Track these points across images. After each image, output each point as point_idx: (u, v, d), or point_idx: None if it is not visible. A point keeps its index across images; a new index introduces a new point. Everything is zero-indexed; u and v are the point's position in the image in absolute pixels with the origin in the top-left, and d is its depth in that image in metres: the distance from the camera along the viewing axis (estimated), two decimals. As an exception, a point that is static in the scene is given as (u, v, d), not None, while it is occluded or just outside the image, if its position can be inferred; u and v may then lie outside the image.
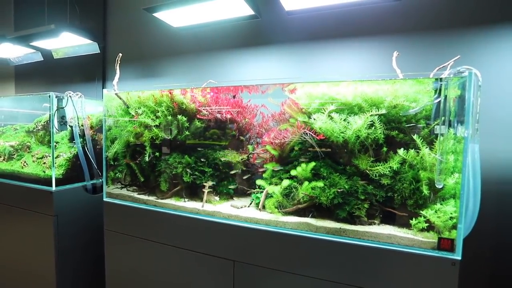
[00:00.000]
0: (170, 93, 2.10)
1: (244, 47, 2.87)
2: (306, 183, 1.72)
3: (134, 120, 2.20)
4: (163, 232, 2.07)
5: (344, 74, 2.47)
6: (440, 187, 1.48)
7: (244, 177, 2.20)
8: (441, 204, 1.48)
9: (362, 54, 2.46)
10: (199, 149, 2.15)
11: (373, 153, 1.70)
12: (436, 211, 1.47)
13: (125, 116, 2.24)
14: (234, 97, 2.36)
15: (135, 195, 2.26)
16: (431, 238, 1.46)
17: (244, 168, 2.15)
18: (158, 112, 2.13)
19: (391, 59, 1.91)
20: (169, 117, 2.09)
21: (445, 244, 1.43)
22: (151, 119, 2.15)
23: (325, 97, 1.77)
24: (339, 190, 1.64)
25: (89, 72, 3.99)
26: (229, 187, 2.14)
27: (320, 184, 1.67)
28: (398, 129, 1.66)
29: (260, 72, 2.80)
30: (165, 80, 2.98)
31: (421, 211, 1.50)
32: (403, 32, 2.37)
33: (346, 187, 1.64)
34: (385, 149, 1.65)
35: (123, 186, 2.41)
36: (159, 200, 2.14)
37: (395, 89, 1.65)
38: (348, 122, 1.66)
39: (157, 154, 2.18)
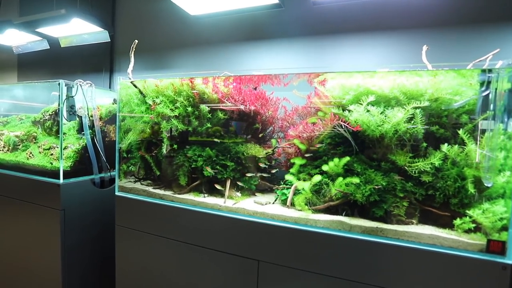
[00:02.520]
0: (191, 81, 1.99)
1: (264, 39, 2.77)
2: (339, 179, 1.62)
3: (151, 110, 2.08)
4: (181, 229, 1.96)
5: (369, 68, 2.37)
6: (490, 185, 1.38)
7: (268, 172, 2.10)
8: (489, 203, 1.39)
9: (386, 47, 2.37)
10: (219, 142, 2.04)
11: (410, 149, 1.60)
12: (483, 211, 1.38)
13: (141, 106, 2.13)
14: (255, 89, 2.26)
15: (150, 189, 2.14)
16: (478, 240, 1.37)
17: (268, 163, 2.04)
18: (177, 102, 2.01)
19: (416, 53, 1.82)
20: (189, 108, 1.98)
21: (495, 247, 1.34)
22: (170, 109, 2.04)
23: (360, 89, 1.67)
24: (376, 187, 1.54)
25: (95, 63, 3.86)
26: (252, 182, 2.03)
27: (356, 180, 1.57)
28: (439, 124, 1.57)
29: (279, 65, 2.70)
30: (178, 73, 2.85)
31: (467, 211, 1.40)
32: (427, 27, 2.29)
33: (383, 183, 1.54)
34: (424, 144, 1.56)
35: (136, 179, 2.29)
36: (177, 195, 2.03)
37: (436, 82, 1.55)
38: (385, 115, 1.56)
39: (175, 146, 2.07)
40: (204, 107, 1.97)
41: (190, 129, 2.03)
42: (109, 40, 3.27)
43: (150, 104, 2.10)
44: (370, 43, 2.43)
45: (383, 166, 1.63)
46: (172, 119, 2.02)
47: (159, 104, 2.06)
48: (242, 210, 1.81)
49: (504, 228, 1.35)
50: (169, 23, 3.18)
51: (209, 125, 2.00)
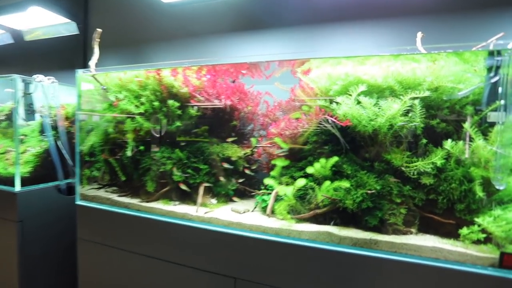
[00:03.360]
0: (157, 73, 1.74)
1: (245, 30, 2.52)
2: (327, 182, 1.39)
3: (114, 107, 1.83)
4: (148, 242, 1.71)
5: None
6: (502, 188, 1.17)
7: (248, 176, 1.86)
8: (501, 209, 1.18)
9: (376, 36, 2.16)
10: (191, 142, 1.79)
11: (408, 146, 1.38)
12: (495, 218, 1.17)
13: (103, 103, 1.87)
14: (233, 82, 2.02)
15: (115, 197, 1.88)
16: (488, 252, 1.16)
17: (247, 165, 1.81)
18: (143, 97, 1.76)
19: (410, 42, 1.60)
20: (156, 103, 1.73)
21: (510, 261, 1.13)
22: (135, 105, 1.78)
23: (349, 78, 1.44)
24: (368, 192, 1.32)
25: (67, 58, 3.56)
26: (229, 187, 1.79)
27: (345, 184, 1.34)
28: (440, 117, 1.36)
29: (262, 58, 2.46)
30: (143, 64, 2.57)
31: (475, 218, 1.19)
32: (422, 13, 2.08)
33: (378, 187, 1.32)
34: (424, 141, 1.34)
35: (100, 186, 2.03)
36: (144, 204, 1.78)
37: (436, 68, 1.34)
38: (379, 108, 1.34)
39: (141, 148, 1.81)
40: (173, 103, 1.73)
41: (158, 127, 1.78)
42: (77, 32, 2.99)
43: (112, 100, 1.84)
44: (361, 32, 2.21)
45: (376, 167, 1.40)
46: (137, 117, 1.77)
47: (122, 100, 1.81)
48: (216, 221, 1.57)
49: (520, 239, 1.14)
50: (145, 13, 2.91)
51: (179, 123, 1.75)
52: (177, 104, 1.72)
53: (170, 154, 1.76)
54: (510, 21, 1.92)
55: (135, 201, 1.82)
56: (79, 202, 1.94)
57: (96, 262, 1.90)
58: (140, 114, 1.77)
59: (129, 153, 1.80)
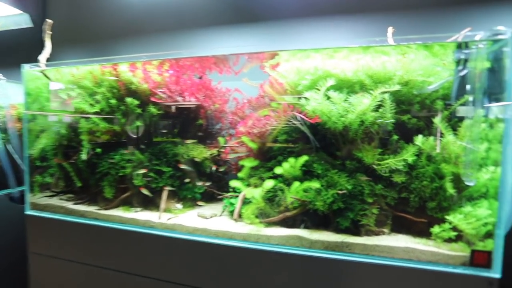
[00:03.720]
0: (114, 69, 1.58)
1: (215, 24, 2.40)
2: (296, 183, 1.31)
3: (66, 106, 1.65)
4: (108, 254, 1.56)
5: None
6: (472, 184, 1.14)
7: (215, 178, 1.75)
8: (471, 206, 1.15)
9: (348, 31, 2.11)
10: (153, 143, 1.66)
11: (380, 143, 1.33)
12: (465, 216, 1.13)
13: (54, 101, 1.69)
14: (200, 78, 1.90)
15: (70, 205, 1.71)
16: (460, 250, 1.12)
17: (215, 166, 1.69)
18: (98, 95, 1.60)
19: (380, 36, 1.56)
20: (113, 101, 1.58)
21: (480, 258, 1.09)
22: (90, 104, 1.62)
23: (318, 72, 1.37)
24: (339, 192, 1.25)
25: (23, 54, 3.27)
26: (196, 190, 1.67)
27: (315, 184, 1.27)
28: (410, 113, 1.31)
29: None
30: (97, 58, 2.36)
31: (446, 216, 1.15)
32: (392, 9, 2.06)
33: (349, 187, 1.25)
34: (395, 137, 1.29)
35: (54, 193, 1.84)
36: (102, 212, 1.62)
37: (406, 62, 1.29)
38: (349, 103, 1.27)
39: (98, 150, 1.65)
40: (132, 101, 1.58)
41: (116, 128, 1.63)
42: (31, 25, 2.74)
43: (64, 99, 1.66)
44: (334, 27, 2.15)
45: (348, 165, 1.34)
46: (92, 117, 1.61)
47: (75, 98, 1.64)
48: (180, 227, 1.45)
49: (489, 235, 1.11)
50: (110, 6, 2.70)
51: (139, 122, 1.61)
52: (136, 102, 1.58)
53: (130, 156, 1.61)
54: (478, 17, 1.92)
55: (92, 208, 1.66)
56: (29, 212, 1.75)
57: (50, 277, 1.72)
58: (95, 113, 1.61)
59: (84, 156, 1.63)
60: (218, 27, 2.38)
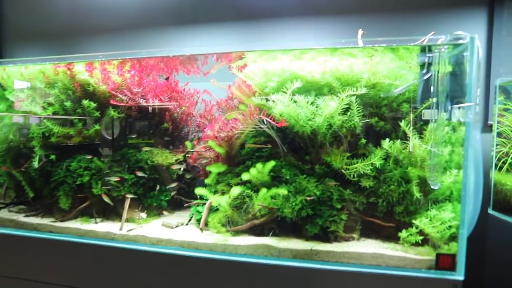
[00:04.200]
0: (68, 69, 1.46)
1: (182, 24, 2.31)
2: (263, 190, 1.26)
3: (13, 109, 1.51)
4: (64, 270, 1.44)
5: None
6: (436, 187, 1.14)
7: (183, 184, 1.67)
8: (436, 209, 1.15)
9: (326, 33, 2.10)
10: (114, 149, 1.55)
11: (348, 147, 1.31)
12: (430, 219, 1.13)
13: (0, 103, 1.54)
14: (167, 79, 1.81)
15: (21, 218, 1.57)
16: (426, 254, 1.12)
17: (181, 172, 1.61)
18: (51, 96, 1.48)
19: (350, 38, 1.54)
20: (68, 103, 1.46)
21: (445, 262, 1.09)
22: (42, 106, 1.49)
23: (285, 73, 1.33)
24: (308, 198, 1.21)
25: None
26: (162, 198, 1.58)
27: (283, 191, 1.22)
28: (378, 116, 1.30)
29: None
30: (51, 56, 2.19)
31: (413, 220, 1.14)
32: (361, 12, 2.07)
33: (317, 193, 1.22)
34: (363, 141, 1.27)
35: (3, 205, 1.68)
36: (57, 224, 1.49)
37: (373, 64, 1.28)
38: (317, 107, 1.24)
39: (52, 157, 1.52)
40: (89, 103, 1.47)
41: (72, 132, 1.51)
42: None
43: (12, 100, 1.52)
44: (302, 29, 2.13)
45: (317, 170, 1.31)
46: (44, 120, 1.48)
47: (25, 100, 1.50)
48: (143, 239, 1.36)
49: (453, 238, 1.12)
50: (72, 3, 2.52)
51: (97, 126, 1.50)
52: (93, 104, 1.47)
53: (88, 163, 1.50)
54: (442, 22, 1.97)
55: (46, 221, 1.53)
56: (-27, 227, 1.59)
57: (-1, 297, 1.57)
58: (49, 117, 1.48)
59: (36, 164, 1.50)
60: (185, 26, 2.29)
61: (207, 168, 1.45)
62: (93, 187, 1.47)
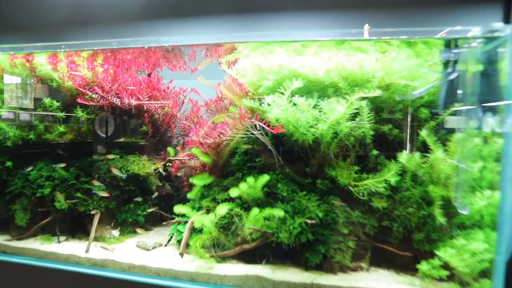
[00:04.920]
0: (27, 60, 1.24)
1: (167, 17, 2.08)
2: (255, 210, 1.05)
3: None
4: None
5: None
6: (465, 212, 0.94)
7: (164, 196, 1.46)
8: (464, 238, 0.95)
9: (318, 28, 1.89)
10: (82, 156, 1.33)
11: (356, 159, 1.11)
12: (458, 250, 0.93)
13: None
14: (149, 75, 1.59)
15: (-29, 234, 1.34)
16: (452, 293, 0.92)
17: (160, 184, 1.40)
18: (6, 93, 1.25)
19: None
20: (26, 101, 1.24)
21: (476, 304, 0.90)
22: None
23: (284, 71, 1.12)
24: (308, 221, 1.00)
25: None
26: (139, 212, 1.37)
27: (279, 212, 1.01)
28: (392, 122, 1.10)
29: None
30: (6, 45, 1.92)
31: (435, 251, 0.94)
32: (367, 7, 1.86)
33: (320, 214, 1.01)
34: (374, 152, 1.07)
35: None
36: (13, 244, 1.27)
37: (387, 61, 1.08)
38: (320, 111, 1.03)
39: (8, 164, 1.30)
40: (51, 101, 1.24)
41: (31, 136, 1.28)
42: None
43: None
44: (303, 23, 1.92)
45: (319, 185, 1.10)
46: (-1, 121, 1.25)
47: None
48: (112, 264, 1.14)
49: (485, 274, 0.92)
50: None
51: (62, 128, 1.28)
52: (56, 103, 1.24)
53: (51, 172, 1.27)
54: (455, 16, 1.77)
55: (0, 239, 1.31)
56: None
57: None
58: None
59: (-12, 172, 1.27)
60: (184, 18, 2.06)
61: (190, 180, 1.23)
62: (56, 200, 1.25)
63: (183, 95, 1.61)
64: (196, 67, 1.58)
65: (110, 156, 1.27)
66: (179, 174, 1.35)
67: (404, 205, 0.99)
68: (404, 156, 0.98)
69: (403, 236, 1.01)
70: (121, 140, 1.28)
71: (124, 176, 1.27)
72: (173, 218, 1.38)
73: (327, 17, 1.91)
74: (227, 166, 1.28)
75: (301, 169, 1.18)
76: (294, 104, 1.04)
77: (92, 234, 1.24)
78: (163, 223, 1.36)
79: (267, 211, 1.03)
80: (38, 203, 1.29)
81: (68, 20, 2.18)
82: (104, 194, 1.22)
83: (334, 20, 1.82)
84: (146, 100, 1.37)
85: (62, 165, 1.25)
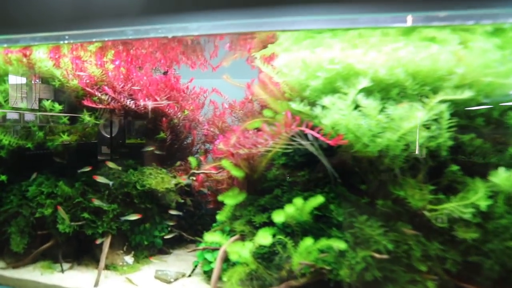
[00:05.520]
0: (24, 55, 1.04)
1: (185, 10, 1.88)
2: (307, 241, 0.84)
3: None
4: None
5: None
6: None
7: (184, 214, 1.25)
8: None
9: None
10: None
11: (427, 176, 0.90)
12: None
13: None
14: (165, 73, 1.39)
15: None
16: None
17: (182, 200, 1.19)
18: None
19: None
20: (23, 105, 1.04)
21: None
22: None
23: (337, 67, 0.91)
24: (376, 256, 0.80)
25: None
26: (156, 233, 1.17)
27: (339, 244, 0.81)
28: (474, 130, 0.89)
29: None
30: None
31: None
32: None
33: (389, 246, 0.80)
34: (454, 167, 0.86)
35: None
36: (7, 273, 1.07)
37: (469, 53, 0.87)
38: (388, 116, 0.82)
39: (2, 178, 1.10)
40: (52, 104, 1.04)
41: (29, 145, 1.08)
42: None
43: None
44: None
45: (380, 206, 0.89)
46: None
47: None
48: (126, 303, 0.94)
49: None
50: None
51: (65, 136, 1.07)
52: (58, 106, 1.04)
53: (52, 188, 1.07)
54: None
55: (-7, 267, 1.11)
56: None
57: None
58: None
59: (-21, 188, 1.07)
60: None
61: (220, 198, 1.03)
62: (59, 222, 1.05)
63: (203, 96, 1.41)
64: (218, 64, 1.38)
65: (110, 164, 1.06)
66: (203, 187, 1.14)
67: (499, 237, 0.78)
68: (501, 175, 0.77)
69: (498, 276, 0.80)
70: (147, 149, 1.08)
71: (111, 183, 1.06)
72: (195, 240, 1.18)
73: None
74: (262, 181, 1.07)
75: (355, 186, 0.97)
76: (356, 107, 0.83)
77: (102, 263, 1.04)
78: (188, 251, 1.15)
79: (324, 242, 0.83)
80: (37, 225, 1.09)
81: (72, 12, 1.98)
82: (135, 217, 1.03)
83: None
84: (164, 102, 1.16)
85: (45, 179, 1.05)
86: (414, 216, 0.86)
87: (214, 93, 1.43)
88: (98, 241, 1.02)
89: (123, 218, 1.06)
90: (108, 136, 1.16)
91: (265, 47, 1.14)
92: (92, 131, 1.14)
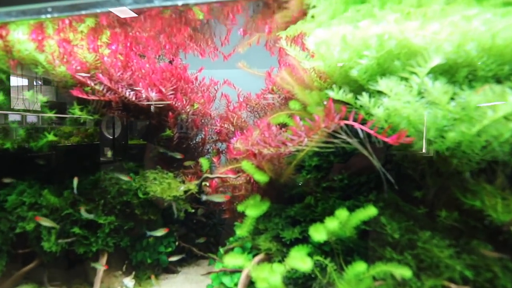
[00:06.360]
0: (0, 36, 0.85)
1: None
2: (360, 266, 0.66)
3: None
4: None
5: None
6: None
7: (194, 226, 1.07)
8: None
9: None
10: (79, 174, 0.94)
11: (506, 180, 0.71)
12: None
13: None
14: (171, 62, 1.21)
15: None
16: None
17: (193, 209, 1.00)
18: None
19: None
20: (1, 98, 0.85)
21: None
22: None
23: (390, 42, 0.72)
24: (453, 287, 0.61)
25: None
26: (161, 249, 0.98)
27: (402, 271, 0.62)
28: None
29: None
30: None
31: None
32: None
33: (467, 273, 0.61)
34: (543, 170, 0.67)
35: None
36: (-17, 299, 0.88)
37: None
38: (461, 105, 0.63)
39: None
40: (33, 95, 0.86)
41: (7, 146, 0.89)
42: None
43: None
44: None
45: (444, 219, 0.70)
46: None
47: None
48: None
49: None
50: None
51: (52, 136, 0.89)
52: (43, 98, 0.86)
53: (36, 197, 0.89)
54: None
55: (-33, 291, 0.92)
56: None
57: None
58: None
59: None
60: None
61: (240, 209, 0.84)
62: (44, 240, 0.86)
63: (214, 89, 1.22)
64: (231, 52, 1.19)
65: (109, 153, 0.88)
66: (217, 199, 0.95)
67: None
68: None
69: None
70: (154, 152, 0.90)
71: (75, 185, 0.87)
72: (206, 255, 1.00)
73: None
74: (289, 187, 0.89)
75: (407, 193, 0.78)
76: (419, 94, 0.64)
77: (98, 285, 0.85)
78: (202, 274, 0.96)
79: (381, 268, 0.63)
80: (18, 242, 0.90)
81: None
82: (162, 232, 0.86)
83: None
84: (170, 94, 0.98)
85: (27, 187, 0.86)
86: (496, 233, 0.67)
87: (226, 85, 1.25)
88: (95, 265, 0.83)
89: (149, 233, 0.88)
90: (111, 137, 0.98)
91: (288, 27, 0.95)
92: (86, 131, 0.95)
